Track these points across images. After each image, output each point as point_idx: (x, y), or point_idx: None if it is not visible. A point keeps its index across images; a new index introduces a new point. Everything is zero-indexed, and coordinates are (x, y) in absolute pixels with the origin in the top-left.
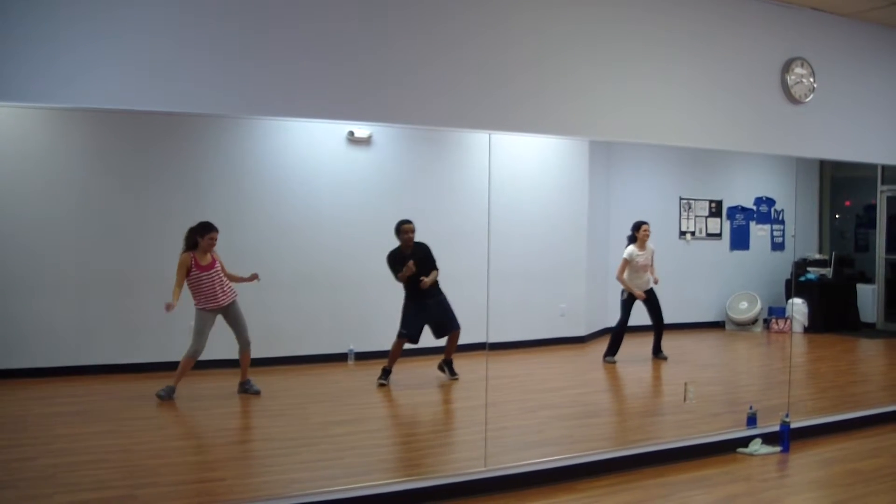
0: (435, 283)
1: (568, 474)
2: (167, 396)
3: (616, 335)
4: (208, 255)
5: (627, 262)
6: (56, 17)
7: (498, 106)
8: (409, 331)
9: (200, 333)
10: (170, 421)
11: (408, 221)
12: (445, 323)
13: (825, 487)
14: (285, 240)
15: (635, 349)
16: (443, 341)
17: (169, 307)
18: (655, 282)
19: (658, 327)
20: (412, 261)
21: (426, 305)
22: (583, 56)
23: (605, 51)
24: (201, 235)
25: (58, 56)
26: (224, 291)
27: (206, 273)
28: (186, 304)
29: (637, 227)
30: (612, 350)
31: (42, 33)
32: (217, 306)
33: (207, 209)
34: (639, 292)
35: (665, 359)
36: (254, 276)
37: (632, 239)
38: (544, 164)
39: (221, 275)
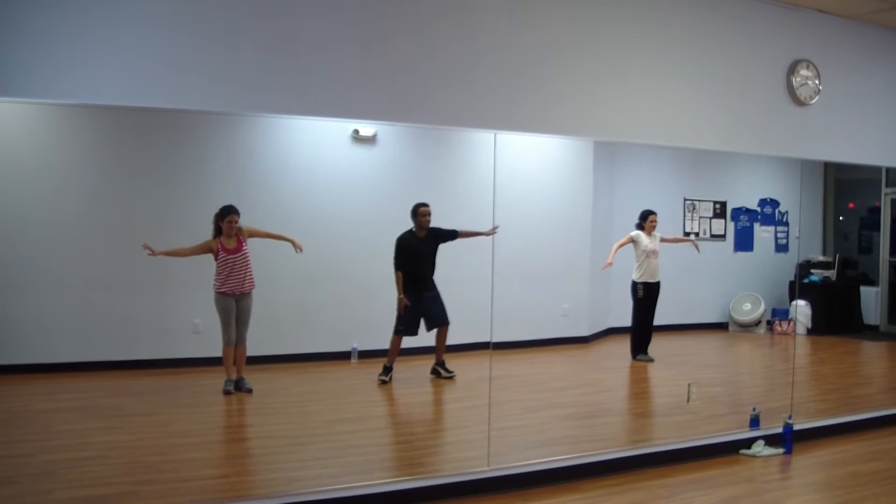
0: (431, 280)
1: (571, 474)
2: (235, 389)
3: (638, 330)
4: (233, 239)
5: (631, 240)
6: (60, 12)
7: (504, 105)
8: (405, 326)
9: (227, 324)
10: (171, 418)
11: (425, 204)
12: (437, 316)
13: (827, 489)
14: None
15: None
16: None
17: (149, 248)
18: (695, 246)
19: (647, 327)
20: (405, 298)
21: (422, 299)
22: (588, 56)
23: (611, 51)
24: (221, 219)
25: (62, 52)
26: (248, 279)
27: (232, 256)
28: (187, 303)
29: (644, 216)
30: (643, 347)
31: (46, 29)
32: (237, 292)
33: (211, 207)
34: (610, 259)
35: (651, 360)
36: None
37: (639, 227)
38: (548, 164)
39: (248, 259)
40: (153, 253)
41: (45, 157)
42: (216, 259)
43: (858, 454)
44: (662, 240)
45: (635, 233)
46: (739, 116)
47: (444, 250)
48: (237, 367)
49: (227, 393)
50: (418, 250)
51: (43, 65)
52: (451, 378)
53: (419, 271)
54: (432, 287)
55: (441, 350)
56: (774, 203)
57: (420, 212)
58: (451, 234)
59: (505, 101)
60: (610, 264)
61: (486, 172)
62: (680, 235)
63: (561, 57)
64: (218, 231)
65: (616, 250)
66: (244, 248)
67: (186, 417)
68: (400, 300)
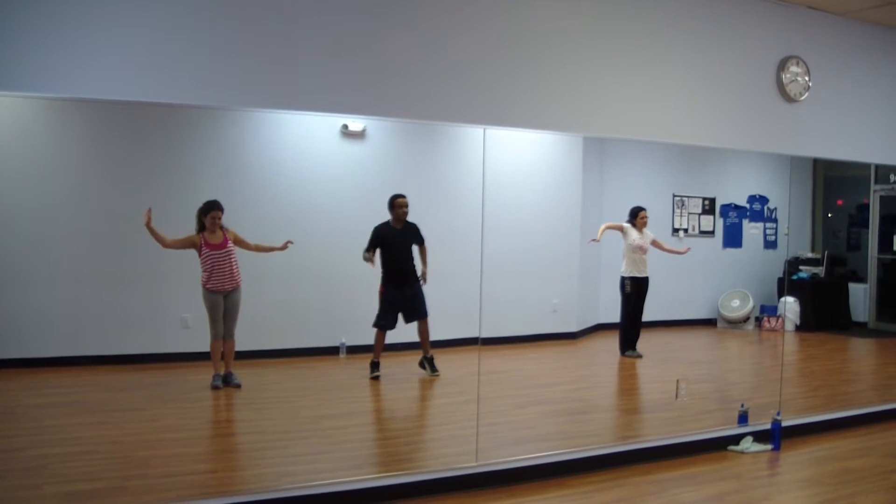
0: (413, 272)
1: (559, 470)
2: (223, 384)
3: (627, 326)
4: (218, 234)
5: (622, 228)
6: (55, 7)
7: (493, 101)
8: (385, 320)
9: (214, 319)
10: (160, 413)
11: (402, 196)
12: (416, 309)
13: (816, 486)
14: (278, 232)
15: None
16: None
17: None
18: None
19: (635, 323)
20: (371, 254)
21: (403, 293)
22: (578, 52)
23: (601, 47)
24: (204, 215)
25: (56, 46)
26: (233, 276)
27: (217, 252)
28: (177, 298)
29: (635, 213)
30: (631, 343)
31: (41, 23)
32: (223, 289)
33: (201, 201)
34: (598, 237)
35: (639, 356)
36: (286, 244)
37: (630, 223)
38: (538, 160)
39: (233, 256)
40: (148, 220)
41: (33, 151)
42: (199, 255)
43: (847, 450)
44: (654, 243)
45: (627, 224)
46: (729, 113)
47: (434, 245)
48: (226, 362)
49: (215, 388)
50: (394, 242)
51: (34, 60)
52: (435, 376)
53: (396, 264)
54: (413, 281)
55: (426, 344)
56: (763, 199)
57: (397, 203)
58: (420, 241)
59: (495, 97)
60: (597, 240)
61: (475, 168)
62: (671, 243)
63: (550, 53)
64: (201, 227)
65: (605, 230)
66: (229, 245)
67: (175, 412)
68: (369, 258)
